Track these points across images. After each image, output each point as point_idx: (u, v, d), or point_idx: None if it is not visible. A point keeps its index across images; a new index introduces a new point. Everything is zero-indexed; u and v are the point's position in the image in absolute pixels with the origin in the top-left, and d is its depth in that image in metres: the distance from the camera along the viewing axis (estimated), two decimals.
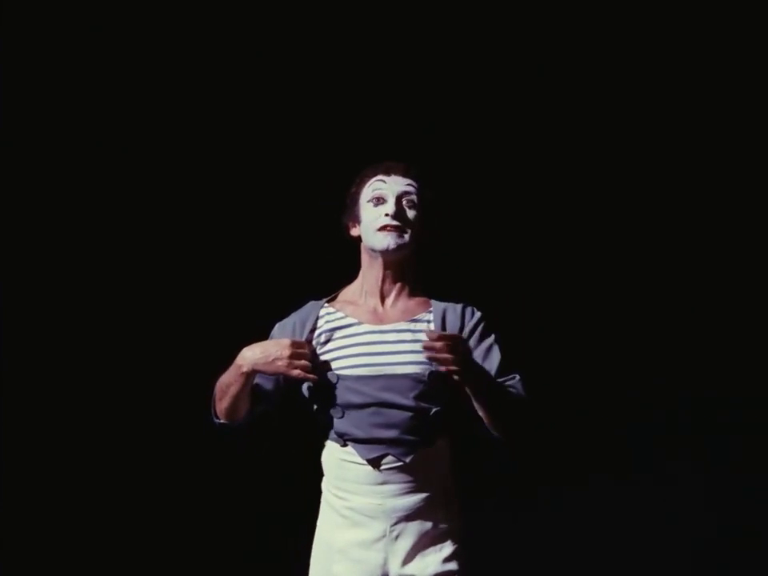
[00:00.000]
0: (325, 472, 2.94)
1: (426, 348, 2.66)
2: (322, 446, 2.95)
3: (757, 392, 4.47)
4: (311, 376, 2.76)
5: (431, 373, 2.79)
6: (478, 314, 2.92)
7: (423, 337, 2.74)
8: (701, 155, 4.56)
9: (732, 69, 4.49)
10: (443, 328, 2.86)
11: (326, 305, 2.95)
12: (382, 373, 2.80)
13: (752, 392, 4.48)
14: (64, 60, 4.41)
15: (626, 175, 4.56)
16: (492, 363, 2.86)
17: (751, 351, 4.53)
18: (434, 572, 2.83)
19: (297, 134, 4.47)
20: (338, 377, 2.81)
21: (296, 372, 2.75)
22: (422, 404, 2.80)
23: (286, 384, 2.89)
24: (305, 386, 2.89)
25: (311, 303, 2.96)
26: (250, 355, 2.78)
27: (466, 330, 2.88)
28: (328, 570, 2.86)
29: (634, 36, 4.50)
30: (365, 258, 2.94)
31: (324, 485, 2.95)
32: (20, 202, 4.40)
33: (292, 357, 2.75)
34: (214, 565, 4.46)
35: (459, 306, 2.93)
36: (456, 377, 2.69)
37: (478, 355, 2.85)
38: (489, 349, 2.88)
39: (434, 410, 2.82)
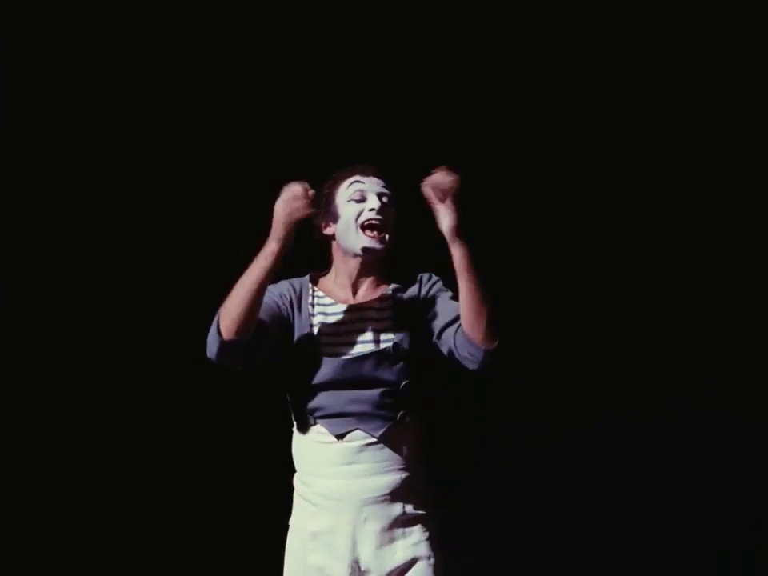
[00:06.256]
0: (295, 462, 2.98)
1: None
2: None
3: (756, 391, 4.48)
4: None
5: (395, 345, 2.88)
6: (435, 278, 3.00)
7: (388, 314, 2.90)
8: (702, 157, 4.56)
9: (731, 66, 4.50)
10: (405, 300, 2.95)
11: (310, 284, 3.01)
12: (352, 351, 2.89)
13: (752, 391, 4.49)
14: (63, 60, 4.43)
15: (624, 177, 4.57)
16: (452, 307, 2.91)
17: (750, 350, 4.53)
18: (403, 558, 2.87)
19: (283, 133, 4.50)
20: (313, 355, 2.89)
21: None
22: (390, 378, 2.88)
23: (278, 337, 2.91)
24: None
25: (297, 279, 3.02)
26: (281, 207, 2.80)
27: (424, 290, 2.97)
28: (303, 561, 2.91)
29: (628, 36, 4.51)
30: (337, 254, 2.99)
31: (295, 479, 2.99)
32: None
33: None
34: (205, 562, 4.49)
35: (418, 276, 3.01)
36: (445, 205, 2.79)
37: (438, 303, 2.93)
38: (451, 298, 2.93)
39: (402, 383, 2.89)
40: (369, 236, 2.91)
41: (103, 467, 4.46)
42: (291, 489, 2.99)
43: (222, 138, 4.51)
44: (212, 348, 2.83)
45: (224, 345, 2.80)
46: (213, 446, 4.48)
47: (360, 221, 2.91)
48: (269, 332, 2.87)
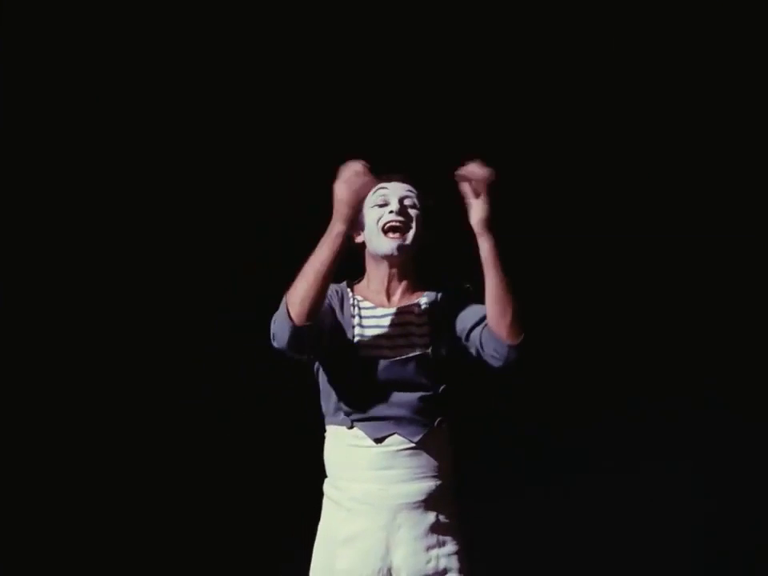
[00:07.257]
0: (327, 467, 2.99)
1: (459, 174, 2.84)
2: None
3: (756, 391, 4.48)
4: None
5: (435, 350, 2.91)
6: (468, 287, 3.02)
7: (426, 319, 2.93)
8: (705, 156, 4.57)
9: (731, 65, 4.50)
10: (439, 306, 2.98)
11: (348, 289, 3.04)
12: (393, 354, 2.90)
13: (752, 391, 4.49)
14: (62, 60, 4.42)
15: (626, 175, 4.57)
16: (479, 310, 2.93)
17: (751, 350, 4.53)
18: (435, 567, 2.89)
19: (293, 132, 4.49)
20: (354, 358, 2.92)
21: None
22: (429, 382, 2.91)
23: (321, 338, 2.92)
24: (320, 365, 2.97)
25: (335, 284, 3.02)
26: (344, 186, 2.83)
27: (458, 298, 3.00)
28: (331, 567, 2.91)
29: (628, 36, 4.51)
30: (369, 261, 3.04)
31: (326, 484, 2.99)
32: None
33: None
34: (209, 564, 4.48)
35: (453, 284, 3.05)
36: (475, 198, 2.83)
37: (467, 309, 2.96)
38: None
39: (441, 388, 2.92)
40: (391, 237, 2.96)
41: (105, 472, 4.45)
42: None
43: (221, 141, 4.51)
44: (282, 336, 2.81)
45: (296, 331, 2.79)
46: (229, 452, 4.48)
47: (381, 223, 2.97)
48: (324, 323, 2.89)
